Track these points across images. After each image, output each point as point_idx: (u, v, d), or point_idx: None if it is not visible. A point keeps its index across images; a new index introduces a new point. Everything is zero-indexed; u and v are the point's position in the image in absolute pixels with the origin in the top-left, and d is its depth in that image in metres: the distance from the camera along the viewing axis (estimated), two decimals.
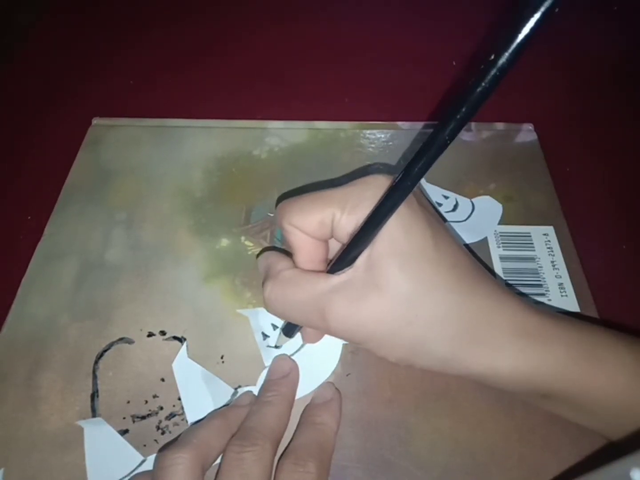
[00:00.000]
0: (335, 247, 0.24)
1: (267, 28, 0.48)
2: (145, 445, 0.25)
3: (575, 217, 0.33)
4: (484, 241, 0.32)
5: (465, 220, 0.33)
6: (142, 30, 0.48)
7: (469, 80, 0.15)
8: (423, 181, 0.35)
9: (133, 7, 0.50)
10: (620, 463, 0.18)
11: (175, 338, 0.29)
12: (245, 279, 0.31)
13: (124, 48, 0.46)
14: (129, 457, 0.25)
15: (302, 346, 0.28)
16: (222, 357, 0.28)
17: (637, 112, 0.41)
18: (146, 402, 0.26)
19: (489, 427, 0.25)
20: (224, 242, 0.33)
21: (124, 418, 0.26)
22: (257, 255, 0.31)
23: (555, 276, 0.30)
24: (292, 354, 0.28)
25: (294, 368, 0.27)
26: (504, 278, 0.31)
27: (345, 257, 0.21)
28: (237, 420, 0.24)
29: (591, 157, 0.38)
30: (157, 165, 0.37)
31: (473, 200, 0.34)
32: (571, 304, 0.29)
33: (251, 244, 0.32)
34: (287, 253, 0.25)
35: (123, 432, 0.26)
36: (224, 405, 0.26)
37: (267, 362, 0.28)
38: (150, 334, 0.29)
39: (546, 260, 0.31)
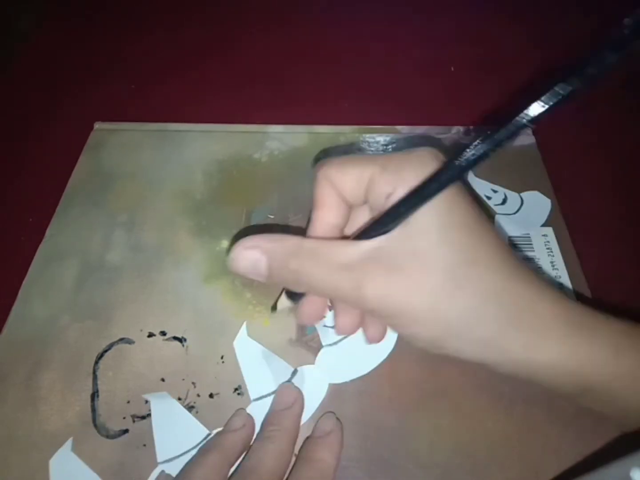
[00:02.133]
0: (349, 228, 0.23)
1: (267, 32, 0.48)
2: (145, 445, 0.25)
3: (574, 218, 0.33)
4: None
5: (514, 213, 0.34)
6: (143, 34, 0.49)
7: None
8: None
9: (134, 12, 0.51)
10: (620, 463, 0.18)
11: (175, 338, 0.29)
12: (246, 280, 0.31)
13: (125, 53, 0.47)
14: (195, 431, 0.26)
15: (340, 340, 0.28)
16: (222, 357, 0.28)
17: (636, 113, 0.41)
18: (146, 402, 0.26)
19: (489, 427, 0.25)
20: (225, 243, 0.33)
21: (124, 418, 0.26)
22: (228, 248, 0.28)
23: (555, 276, 0.30)
24: (331, 345, 0.28)
25: (299, 399, 0.26)
26: None
27: (379, 226, 0.19)
28: (233, 450, 0.24)
29: (589, 159, 0.38)
30: (158, 168, 0.37)
31: (522, 194, 0.35)
32: None
33: None
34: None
35: (123, 432, 0.26)
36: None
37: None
38: (150, 335, 0.29)
39: (545, 261, 0.31)
